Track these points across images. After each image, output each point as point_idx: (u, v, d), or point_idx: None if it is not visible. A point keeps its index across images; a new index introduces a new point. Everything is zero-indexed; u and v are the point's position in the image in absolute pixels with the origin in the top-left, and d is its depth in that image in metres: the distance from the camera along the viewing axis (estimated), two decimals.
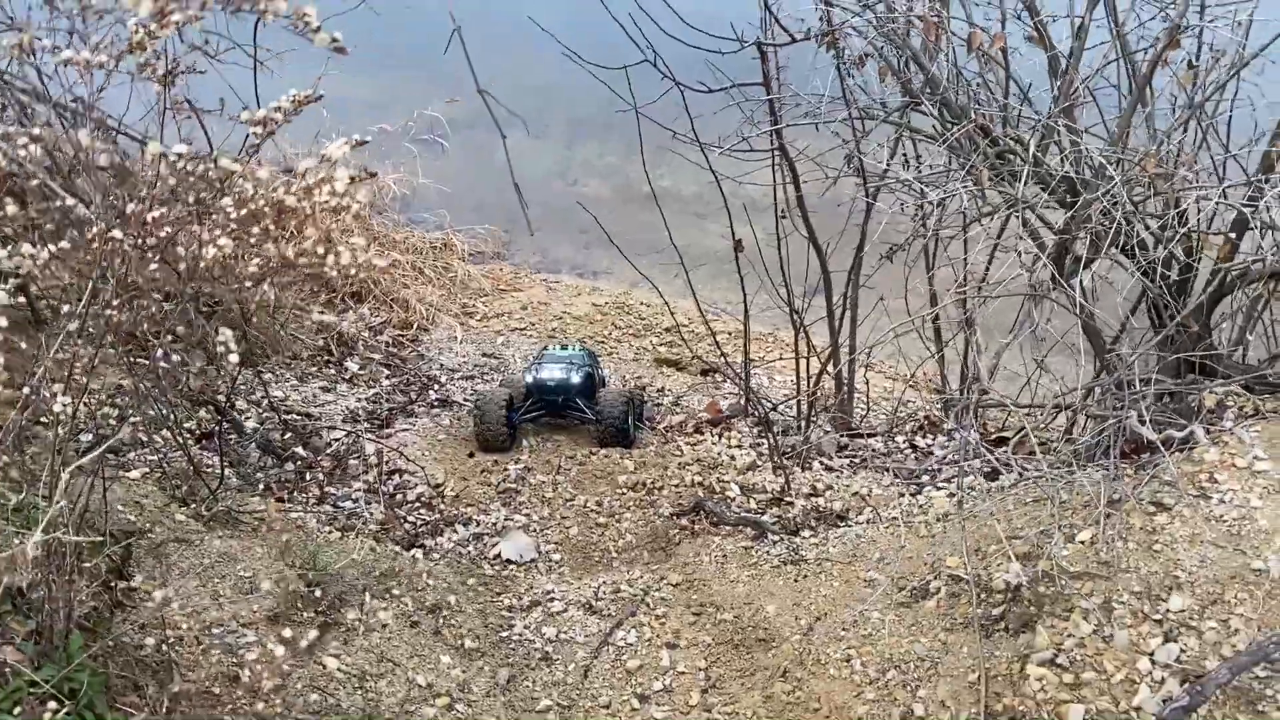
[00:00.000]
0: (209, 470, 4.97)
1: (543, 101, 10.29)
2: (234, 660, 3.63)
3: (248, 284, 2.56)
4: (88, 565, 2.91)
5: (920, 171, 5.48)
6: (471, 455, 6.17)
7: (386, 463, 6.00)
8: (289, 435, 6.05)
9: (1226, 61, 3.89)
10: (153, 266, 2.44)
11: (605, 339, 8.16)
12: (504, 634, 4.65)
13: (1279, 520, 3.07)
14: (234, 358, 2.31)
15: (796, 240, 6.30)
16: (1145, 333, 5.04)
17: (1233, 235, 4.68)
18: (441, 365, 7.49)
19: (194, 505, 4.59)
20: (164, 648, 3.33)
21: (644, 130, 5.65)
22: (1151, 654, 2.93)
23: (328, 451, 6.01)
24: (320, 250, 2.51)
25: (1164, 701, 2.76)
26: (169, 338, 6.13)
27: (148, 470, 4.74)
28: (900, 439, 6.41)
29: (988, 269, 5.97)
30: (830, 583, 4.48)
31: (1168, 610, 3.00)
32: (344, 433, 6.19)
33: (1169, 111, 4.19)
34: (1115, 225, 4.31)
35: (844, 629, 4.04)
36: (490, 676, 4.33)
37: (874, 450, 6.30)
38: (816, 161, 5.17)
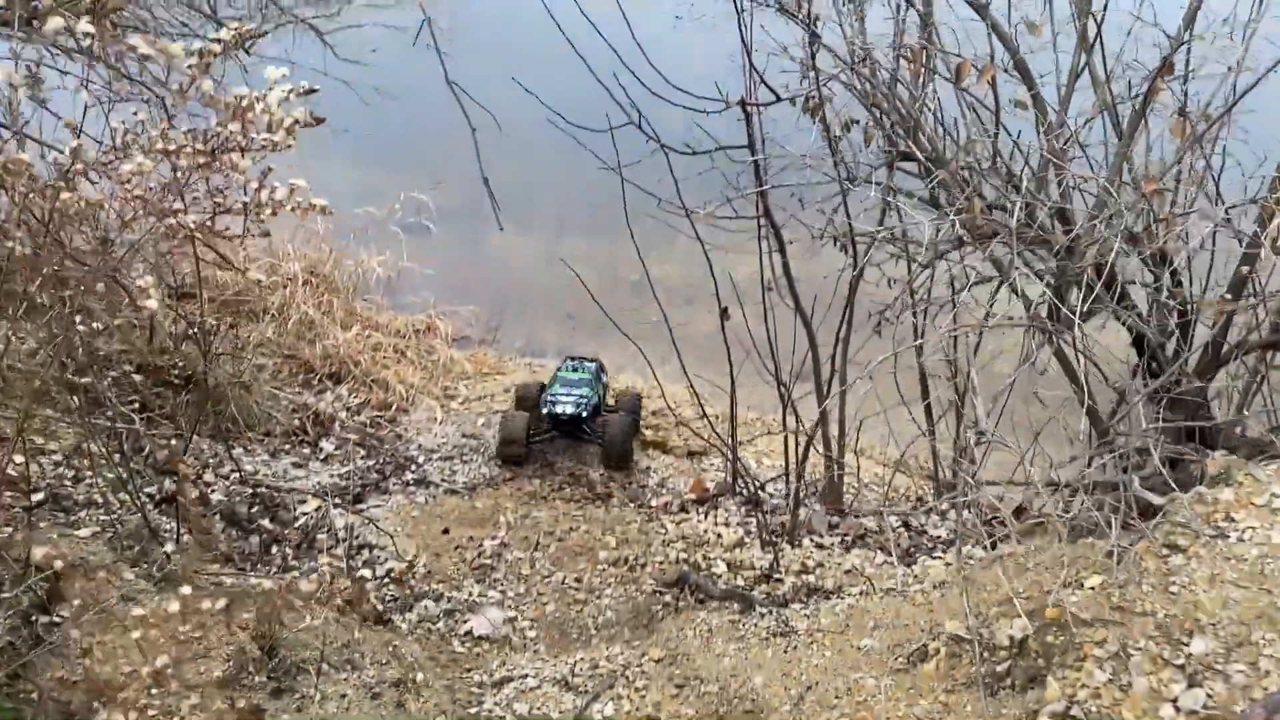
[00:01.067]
0: (166, 534, 4.69)
1: (530, 195, 10.34)
2: None
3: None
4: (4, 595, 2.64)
5: (906, 236, 5.41)
6: (446, 531, 5.90)
7: (356, 537, 5.72)
8: (255, 508, 5.78)
9: (1216, 107, 3.84)
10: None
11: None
12: (472, 710, 4.32)
13: None
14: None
15: (785, 320, 6.17)
16: (1140, 397, 4.89)
17: (1228, 296, 4.59)
18: (420, 446, 7.25)
19: (145, 566, 4.31)
20: (95, 703, 3.03)
21: (629, 203, 5.57)
22: (1175, 700, 2.67)
23: (295, 525, 5.73)
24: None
25: None
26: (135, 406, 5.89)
27: (99, 530, 4.47)
28: (893, 519, 6.16)
29: (978, 344, 5.87)
30: (822, 652, 4.19)
31: (1190, 654, 2.75)
32: (314, 507, 5.91)
33: (1160, 156, 4.12)
34: (1108, 270, 4.21)
35: (837, 696, 3.75)
36: None
37: (866, 529, 6.04)
38: (803, 222, 5.07)
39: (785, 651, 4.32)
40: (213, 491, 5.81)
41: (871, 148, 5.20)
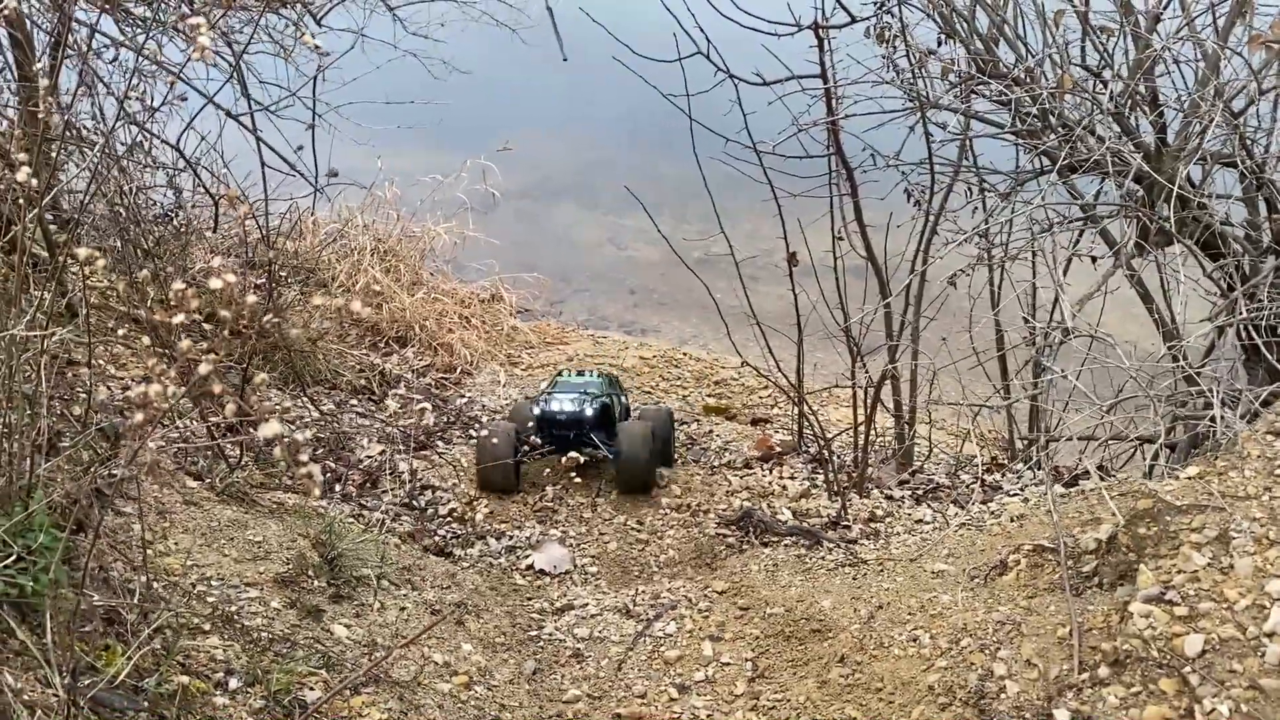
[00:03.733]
0: (230, 456, 4.70)
1: (596, 174, 10.34)
2: (231, 609, 3.28)
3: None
4: (64, 446, 2.63)
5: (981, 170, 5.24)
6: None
7: (419, 479, 5.68)
8: (321, 450, 5.78)
9: None
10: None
11: (653, 390, 7.86)
12: (532, 633, 4.23)
13: None
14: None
15: (855, 290, 5.96)
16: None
17: None
18: (483, 406, 7.22)
19: (208, 479, 4.31)
20: (152, 584, 2.99)
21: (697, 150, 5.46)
22: None
23: (360, 466, 5.72)
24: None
25: None
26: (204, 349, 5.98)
27: (164, 444, 4.48)
28: (966, 475, 5.93)
29: (1056, 298, 5.65)
30: (893, 578, 4.01)
31: None
32: (378, 451, 5.90)
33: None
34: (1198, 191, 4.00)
35: (909, 614, 3.57)
36: (515, 667, 3.89)
37: (938, 483, 5.82)
38: (876, 152, 4.92)
39: (854, 579, 4.15)
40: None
41: (948, 79, 5.04)
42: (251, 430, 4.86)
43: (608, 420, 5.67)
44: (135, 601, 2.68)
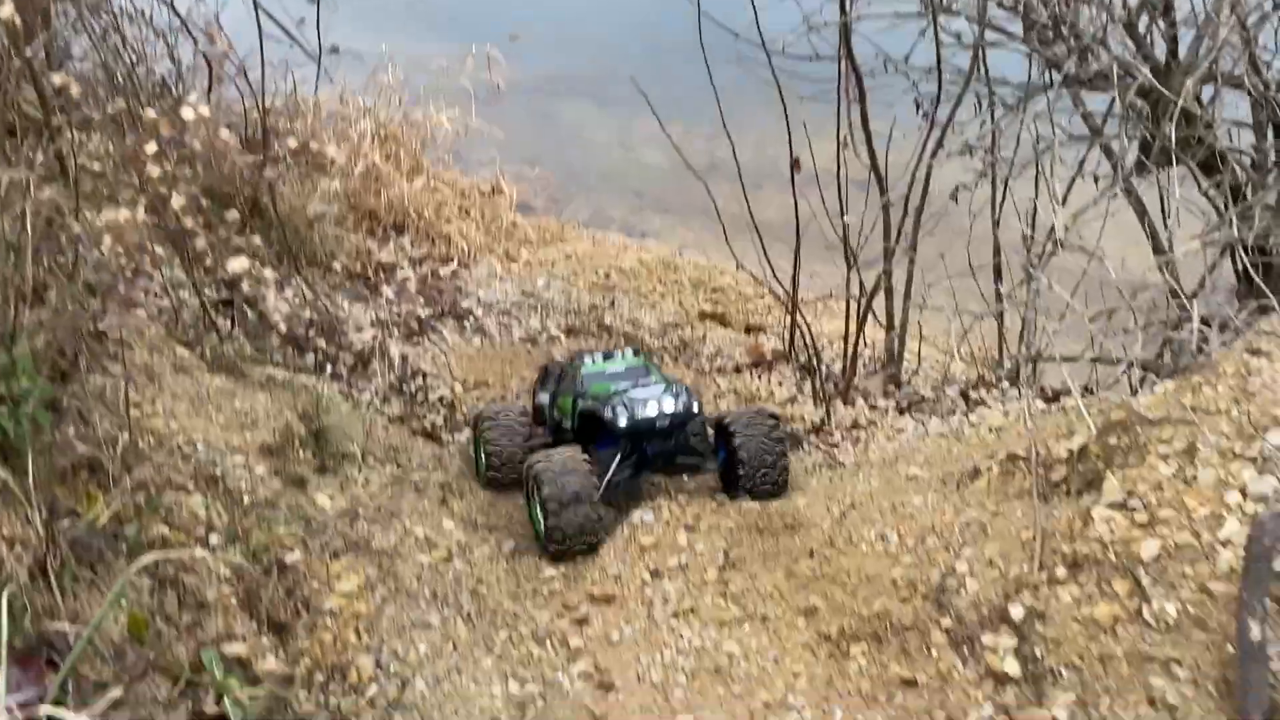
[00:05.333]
0: (220, 327, 4.73)
1: (608, 73, 10.13)
2: (216, 472, 3.34)
3: None
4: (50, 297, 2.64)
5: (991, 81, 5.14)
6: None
7: (409, 365, 5.73)
8: (313, 330, 5.80)
9: None
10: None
11: (649, 294, 7.85)
12: (515, 516, 4.29)
13: None
14: None
15: (856, 202, 5.90)
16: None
17: None
18: (479, 299, 7.21)
19: (199, 349, 4.34)
20: (136, 440, 3.04)
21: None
22: (1243, 487, 2.51)
23: (352, 349, 5.75)
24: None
25: (1256, 511, 2.33)
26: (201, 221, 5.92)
27: (156, 312, 4.50)
28: (952, 390, 5.97)
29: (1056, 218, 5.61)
30: (869, 480, 4.08)
31: (1264, 447, 2.58)
32: (370, 335, 5.93)
33: None
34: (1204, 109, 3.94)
35: (880, 514, 3.64)
36: (495, 546, 3.97)
37: (923, 396, 5.86)
38: (887, 57, 4.83)
39: (830, 480, 4.23)
40: (274, 311, 5.83)
41: None
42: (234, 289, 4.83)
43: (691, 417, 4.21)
44: (118, 454, 2.73)
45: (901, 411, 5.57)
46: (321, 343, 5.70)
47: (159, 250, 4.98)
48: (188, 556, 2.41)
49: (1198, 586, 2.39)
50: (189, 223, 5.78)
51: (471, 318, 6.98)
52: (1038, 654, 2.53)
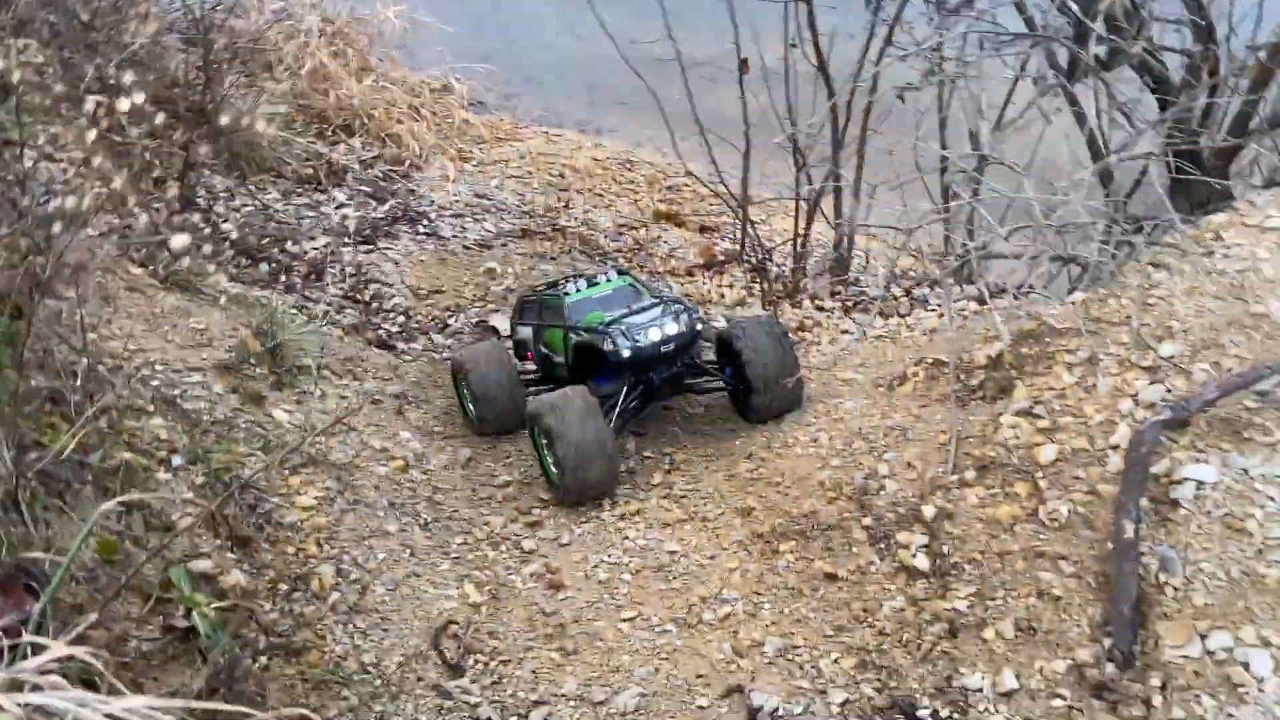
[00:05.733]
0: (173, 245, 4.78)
1: None
2: (174, 393, 3.48)
3: None
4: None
5: None
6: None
7: (364, 273, 5.82)
8: (267, 240, 5.86)
9: None
10: None
11: (605, 193, 7.91)
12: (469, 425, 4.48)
13: None
14: None
15: (805, 100, 5.96)
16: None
17: (1262, 56, 4.38)
18: (432, 202, 7.24)
19: (151, 267, 4.41)
20: (95, 367, 3.15)
21: None
22: (1135, 395, 2.73)
23: (305, 258, 5.82)
24: None
25: (1145, 417, 2.56)
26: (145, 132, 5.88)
27: (107, 230, 4.55)
28: (896, 289, 6.16)
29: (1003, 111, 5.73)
30: (807, 385, 4.28)
31: (1158, 357, 2.79)
32: (323, 244, 5.99)
33: None
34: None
35: (815, 418, 3.86)
36: (451, 454, 4.18)
37: (868, 296, 6.06)
38: None
39: None
40: (224, 221, 5.87)
41: None
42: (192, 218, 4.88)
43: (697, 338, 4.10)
44: (79, 384, 2.86)
45: (847, 311, 5.76)
46: (275, 252, 5.78)
47: (107, 164, 5.01)
48: (154, 492, 2.57)
49: (1088, 489, 2.63)
50: (135, 132, 5.80)
51: (425, 221, 7.03)
52: (945, 551, 2.78)
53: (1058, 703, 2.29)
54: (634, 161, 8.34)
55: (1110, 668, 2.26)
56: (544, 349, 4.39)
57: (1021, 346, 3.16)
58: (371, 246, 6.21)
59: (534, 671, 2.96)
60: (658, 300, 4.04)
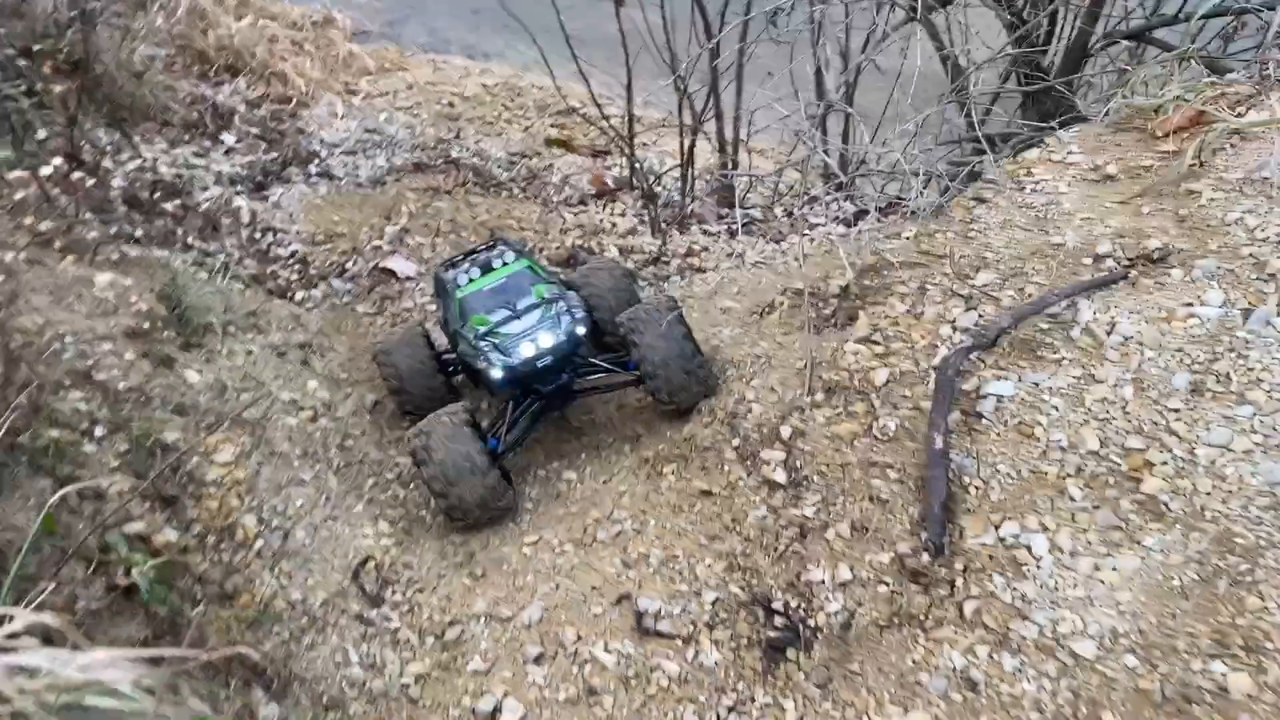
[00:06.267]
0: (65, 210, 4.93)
1: None
2: (88, 364, 3.73)
3: None
4: None
5: None
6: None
7: (259, 222, 6.00)
8: (158, 193, 5.98)
9: None
10: None
11: (495, 121, 8.10)
12: (373, 370, 4.80)
13: (1081, 203, 3.33)
14: None
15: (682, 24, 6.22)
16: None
17: None
18: (322, 140, 7.37)
19: (46, 234, 4.57)
20: (9, 347, 3.38)
21: None
22: (954, 321, 3.20)
23: (199, 210, 5.97)
24: None
25: (952, 345, 3.03)
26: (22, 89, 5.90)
27: None
28: (779, 210, 6.58)
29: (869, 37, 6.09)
30: (690, 314, 4.69)
31: (974, 285, 3.26)
32: (216, 194, 6.13)
33: None
34: None
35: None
36: (358, 400, 4.50)
37: (753, 218, 6.46)
38: None
39: None
40: (112, 177, 5.97)
41: None
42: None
43: (596, 328, 4.12)
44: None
45: (733, 235, 6.17)
46: (168, 206, 5.91)
47: None
48: (80, 459, 2.87)
49: (913, 405, 3.10)
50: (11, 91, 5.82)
51: (316, 160, 7.18)
52: (798, 464, 3.24)
53: (883, 589, 2.78)
54: (522, 87, 8.51)
55: (925, 557, 2.75)
56: (452, 340, 4.24)
57: (865, 279, 3.61)
58: (265, 193, 6.37)
59: (447, 596, 3.38)
60: (540, 300, 3.87)
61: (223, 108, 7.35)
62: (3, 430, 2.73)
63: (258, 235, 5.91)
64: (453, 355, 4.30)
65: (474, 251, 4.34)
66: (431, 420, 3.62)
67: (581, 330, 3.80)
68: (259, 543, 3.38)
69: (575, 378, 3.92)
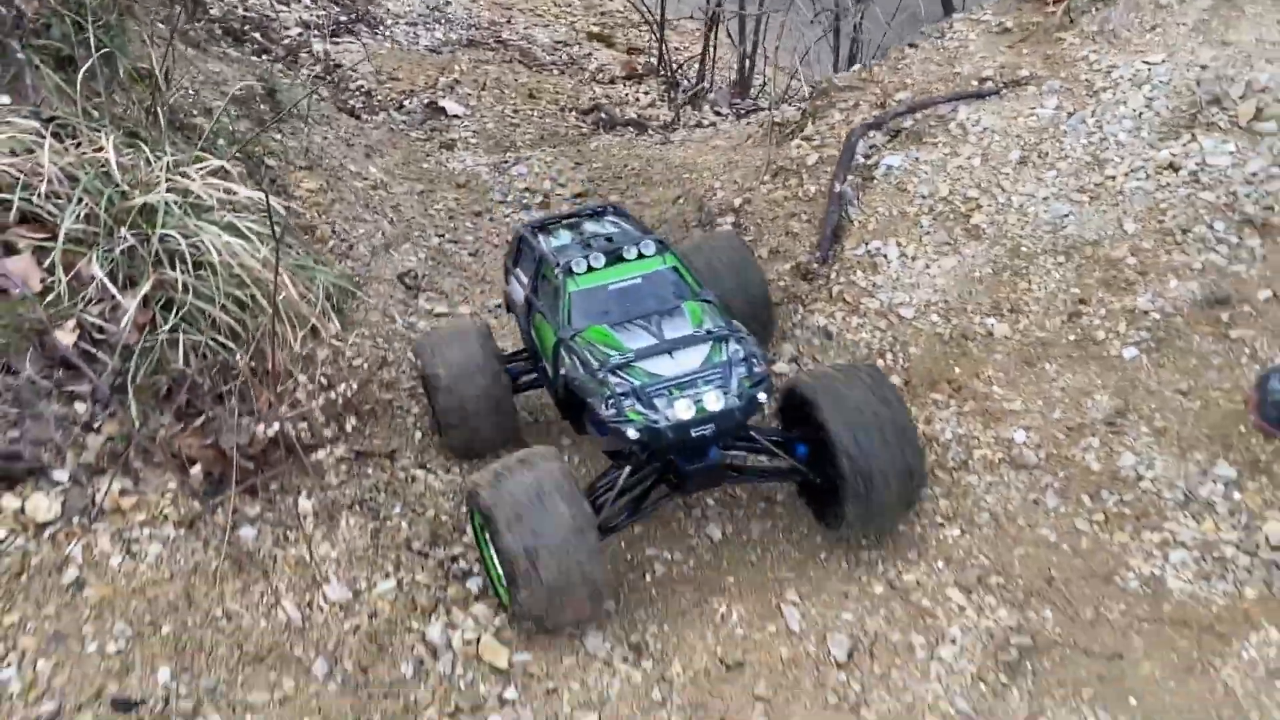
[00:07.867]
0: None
1: None
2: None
3: None
4: None
5: None
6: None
7: (331, 59, 7.34)
8: (248, 25, 7.33)
9: None
10: None
11: (544, 13, 9.40)
12: (423, 165, 6.12)
13: (981, 47, 4.60)
14: None
15: None
16: None
17: None
18: (388, 10, 8.72)
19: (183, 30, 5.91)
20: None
21: None
22: (870, 123, 4.47)
23: (283, 42, 7.31)
24: None
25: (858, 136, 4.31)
26: None
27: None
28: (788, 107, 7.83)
29: None
30: (686, 149, 5.99)
31: (892, 100, 4.53)
32: (296, 32, 7.48)
33: None
34: None
35: (684, 164, 5.57)
36: (408, 186, 5.83)
37: (760, 108, 7.73)
38: None
39: (662, 148, 6.14)
40: (211, 8, 7.33)
41: None
42: None
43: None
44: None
45: (740, 117, 7.45)
46: (256, 36, 7.26)
47: None
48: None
49: (828, 175, 4.37)
50: None
51: (382, 26, 8.52)
52: (742, 222, 4.52)
53: (783, 284, 4.05)
54: None
55: (815, 265, 4.02)
56: (535, 337, 3.32)
57: (818, 100, 4.88)
58: (337, 40, 7.72)
59: (464, 299, 4.70)
60: (701, 333, 2.88)
61: None
62: None
63: (331, 69, 7.25)
64: (521, 363, 3.53)
65: (574, 217, 3.46)
66: (517, 475, 2.70)
67: (763, 397, 2.81)
68: (331, 243, 4.71)
69: (724, 451, 2.94)
